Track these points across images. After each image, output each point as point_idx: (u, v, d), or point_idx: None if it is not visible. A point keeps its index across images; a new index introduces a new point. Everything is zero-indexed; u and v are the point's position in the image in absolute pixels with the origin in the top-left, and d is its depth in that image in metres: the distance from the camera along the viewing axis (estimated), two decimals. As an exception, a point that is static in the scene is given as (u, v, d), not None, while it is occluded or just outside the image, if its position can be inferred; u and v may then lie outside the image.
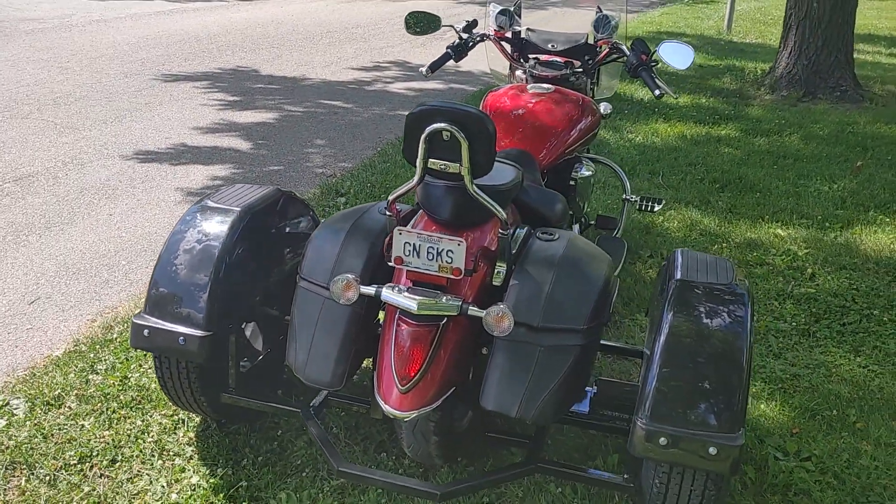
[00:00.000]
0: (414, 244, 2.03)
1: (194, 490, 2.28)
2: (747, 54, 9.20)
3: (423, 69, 3.26)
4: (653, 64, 3.17)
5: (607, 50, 3.30)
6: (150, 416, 2.57)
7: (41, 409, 2.57)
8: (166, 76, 7.61)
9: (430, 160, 2.03)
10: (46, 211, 4.27)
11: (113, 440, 2.45)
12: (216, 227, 2.31)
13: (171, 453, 2.43)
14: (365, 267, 2.17)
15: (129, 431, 2.50)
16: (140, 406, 2.62)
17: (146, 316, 2.25)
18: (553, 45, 3.36)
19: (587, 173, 3.17)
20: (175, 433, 2.51)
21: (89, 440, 2.45)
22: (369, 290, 2.04)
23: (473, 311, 2.00)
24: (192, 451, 2.44)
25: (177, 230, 2.33)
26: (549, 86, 3.24)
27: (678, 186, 4.90)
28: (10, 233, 3.99)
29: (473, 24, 3.30)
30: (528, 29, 3.43)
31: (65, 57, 8.25)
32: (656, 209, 3.62)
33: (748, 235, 4.21)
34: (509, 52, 3.45)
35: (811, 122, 6.40)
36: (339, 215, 2.37)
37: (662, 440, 1.90)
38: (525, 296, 2.09)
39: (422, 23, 3.26)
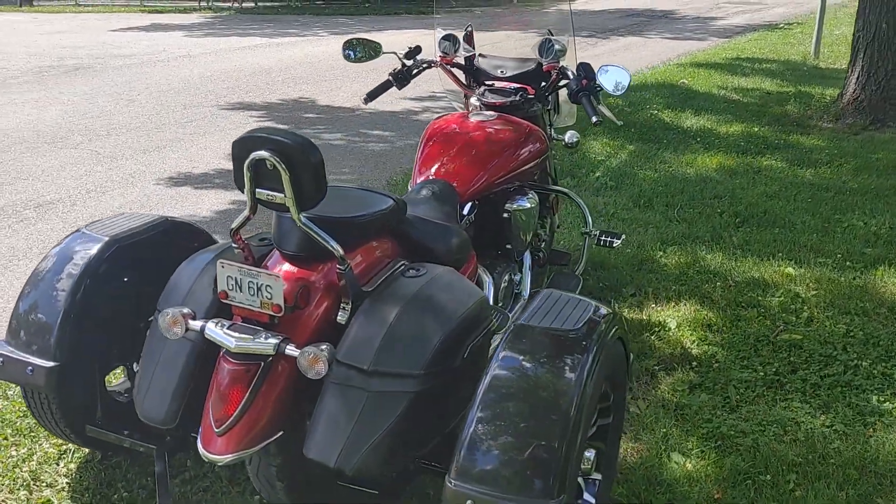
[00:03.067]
0: (236, 278, 1.94)
1: (48, 523, 2.25)
2: (828, 80, 8.61)
3: (362, 97, 3.18)
4: (597, 89, 2.97)
5: (554, 76, 3.12)
6: (40, 445, 2.58)
7: (-60, 432, 2.62)
8: (224, 107, 7.85)
9: (258, 190, 1.95)
10: (50, 237, 4.43)
11: (-8, 467, 2.46)
12: (80, 256, 2.29)
13: (43, 484, 2.41)
14: (213, 302, 2.08)
15: (11, 459, 2.50)
16: (33, 433, 2.62)
17: (3, 344, 2.25)
18: (502, 71, 3.21)
19: (527, 205, 2.98)
20: (57, 463, 2.50)
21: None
22: (196, 324, 1.97)
23: (290, 350, 1.88)
24: (67, 482, 2.42)
25: (44, 259, 2.33)
26: (492, 113, 3.09)
27: (692, 220, 4.57)
28: (3, 258, 4.16)
29: (417, 50, 3.20)
30: (479, 54, 3.29)
31: (137, 90, 8.67)
32: (615, 244, 3.38)
33: (752, 274, 3.87)
34: (462, 77, 3.32)
35: (869, 153, 5.87)
36: (213, 247, 2.31)
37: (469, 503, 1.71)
38: (361, 336, 1.96)
39: (360, 50, 3.18)
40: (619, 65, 3.02)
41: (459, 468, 1.74)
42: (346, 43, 3.19)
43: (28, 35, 13.87)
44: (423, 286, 2.09)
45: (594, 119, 2.93)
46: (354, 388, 1.91)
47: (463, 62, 3.28)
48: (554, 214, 3.62)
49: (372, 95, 3.18)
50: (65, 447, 2.55)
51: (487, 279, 2.81)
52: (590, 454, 1.99)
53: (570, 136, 3.41)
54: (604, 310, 2.03)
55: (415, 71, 3.21)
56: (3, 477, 2.43)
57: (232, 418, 1.90)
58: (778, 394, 2.90)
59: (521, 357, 1.82)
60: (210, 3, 20.05)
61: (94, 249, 2.29)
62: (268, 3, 20.54)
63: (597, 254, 4.05)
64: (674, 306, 3.57)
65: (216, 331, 1.92)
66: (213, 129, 6.94)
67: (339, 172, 5.75)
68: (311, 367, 1.85)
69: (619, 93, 2.98)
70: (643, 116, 7.00)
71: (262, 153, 1.88)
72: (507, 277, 2.93)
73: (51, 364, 2.17)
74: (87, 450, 2.54)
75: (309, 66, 10.40)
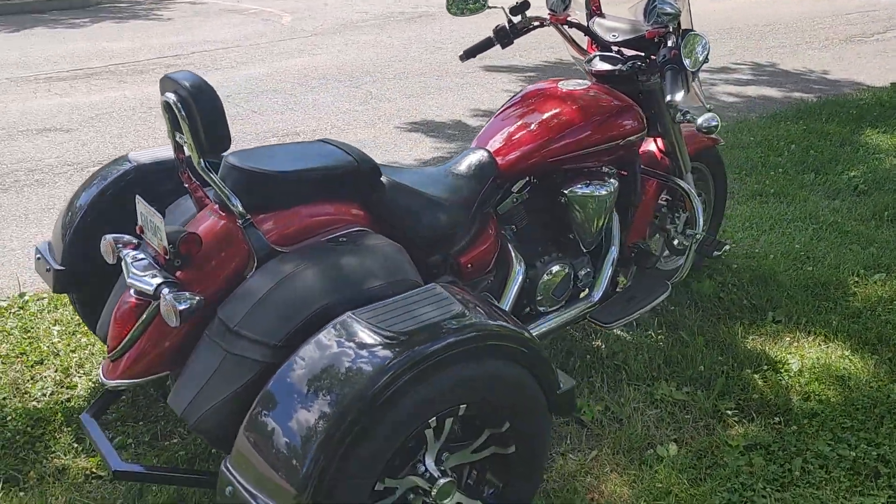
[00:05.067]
0: (145, 215, 2.00)
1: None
2: None
3: (460, 54, 2.98)
4: (687, 65, 2.44)
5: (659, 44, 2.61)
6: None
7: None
8: (508, 63, 7.87)
9: (177, 133, 1.98)
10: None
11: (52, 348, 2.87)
12: (108, 176, 2.51)
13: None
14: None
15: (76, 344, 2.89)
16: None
17: (46, 243, 2.58)
18: (615, 35, 2.77)
19: (591, 191, 2.58)
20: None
21: (46, 344, 2.90)
22: (124, 253, 2.07)
23: (163, 295, 1.89)
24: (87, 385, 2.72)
25: (90, 175, 2.60)
26: (585, 82, 2.71)
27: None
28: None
29: (524, 5, 2.87)
30: (599, 13, 2.87)
31: (453, 40, 9.05)
32: (715, 254, 2.78)
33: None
34: (584, 40, 2.94)
35: None
36: None
37: (229, 490, 1.61)
38: (241, 294, 1.93)
39: (462, 2, 2.96)
40: (700, 32, 2.44)
41: (233, 454, 1.64)
42: (449, -8, 3.01)
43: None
44: (333, 255, 1.95)
45: (668, 98, 2.42)
46: (218, 345, 1.88)
47: (584, 22, 2.90)
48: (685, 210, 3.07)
49: (469, 53, 2.96)
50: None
51: (519, 268, 2.51)
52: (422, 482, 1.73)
53: (704, 118, 2.84)
54: (489, 323, 1.71)
55: (522, 28, 2.90)
56: (52, 358, 2.82)
57: (119, 347, 1.98)
58: (861, 485, 2.20)
59: (329, 350, 1.62)
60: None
61: (119, 172, 2.50)
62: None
63: (765, 265, 3.38)
64: (819, 346, 2.86)
65: (127, 261, 2.00)
66: (483, 83, 7.02)
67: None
68: (167, 315, 1.85)
69: (694, 69, 2.42)
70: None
71: (168, 96, 1.90)
72: (555, 269, 2.58)
73: (57, 266, 2.44)
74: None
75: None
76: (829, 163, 4.59)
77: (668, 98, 2.43)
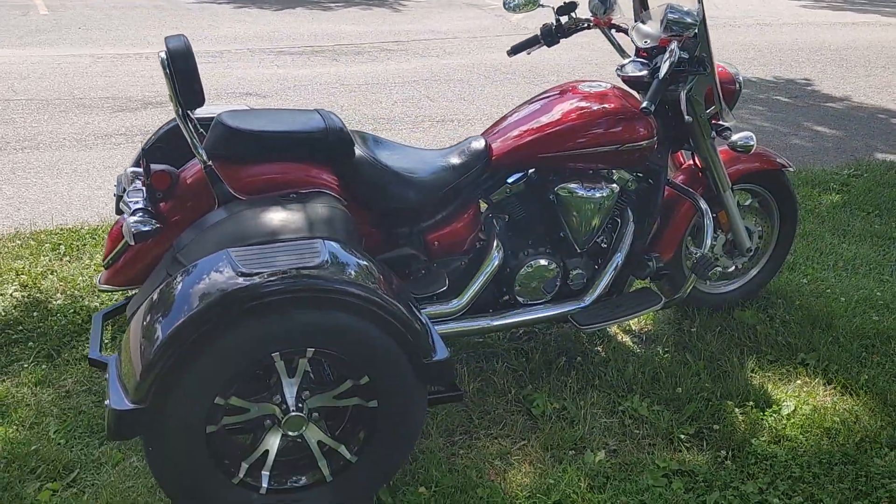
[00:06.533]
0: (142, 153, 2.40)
1: None
2: None
3: (507, 49, 3.07)
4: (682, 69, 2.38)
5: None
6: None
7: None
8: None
9: None
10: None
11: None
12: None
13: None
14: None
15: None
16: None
17: None
18: (646, 42, 2.73)
19: (587, 193, 2.60)
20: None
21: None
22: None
23: (127, 217, 2.26)
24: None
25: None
26: (605, 84, 2.72)
27: None
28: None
29: (572, 6, 2.91)
30: (641, 19, 2.82)
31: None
32: (706, 274, 2.63)
33: None
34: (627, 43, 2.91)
35: None
36: None
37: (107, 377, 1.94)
38: (192, 227, 2.25)
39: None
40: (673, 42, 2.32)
41: (118, 352, 1.96)
42: (505, -11, 3.09)
43: None
44: (275, 207, 2.19)
45: (644, 104, 2.35)
46: (164, 267, 2.22)
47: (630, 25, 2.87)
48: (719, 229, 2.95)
49: (515, 49, 3.04)
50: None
51: (496, 255, 2.60)
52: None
53: (740, 136, 2.74)
54: (336, 279, 1.87)
55: (569, 29, 2.94)
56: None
57: (108, 258, 2.41)
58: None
59: (196, 276, 1.87)
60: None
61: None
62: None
63: (828, 308, 3.12)
64: (829, 396, 2.64)
65: (128, 188, 2.41)
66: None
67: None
68: (125, 234, 2.22)
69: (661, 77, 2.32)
70: None
71: (160, 55, 2.26)
72: (539, 263, 2.63)
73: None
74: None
75: (841, 52, 8.98)
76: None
77: (644, 104, 2.38)
